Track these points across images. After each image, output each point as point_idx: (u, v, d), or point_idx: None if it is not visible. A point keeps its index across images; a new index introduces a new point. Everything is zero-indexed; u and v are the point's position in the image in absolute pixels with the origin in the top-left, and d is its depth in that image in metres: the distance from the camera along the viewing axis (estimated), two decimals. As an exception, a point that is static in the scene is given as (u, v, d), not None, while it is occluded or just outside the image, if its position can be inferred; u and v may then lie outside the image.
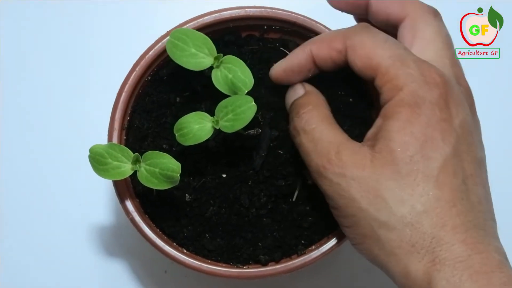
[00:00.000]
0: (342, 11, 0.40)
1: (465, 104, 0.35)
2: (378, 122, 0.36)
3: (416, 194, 0.33)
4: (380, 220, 0.34)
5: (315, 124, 0.37)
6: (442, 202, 0.33)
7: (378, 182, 0.34)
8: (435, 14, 0.38)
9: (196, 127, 0.37)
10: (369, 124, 0.37)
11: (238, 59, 0.38)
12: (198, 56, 0.38)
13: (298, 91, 0.39)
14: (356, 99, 0.41)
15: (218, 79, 0.38)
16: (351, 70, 0.37)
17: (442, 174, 0.33)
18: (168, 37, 0.38)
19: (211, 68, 0.38)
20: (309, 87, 0.39)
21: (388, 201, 0.33)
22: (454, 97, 0.35)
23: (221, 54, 0.38)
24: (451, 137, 0.34)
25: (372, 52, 0.36)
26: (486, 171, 0.37)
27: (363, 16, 0.40)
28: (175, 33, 0.38)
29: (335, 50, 0.37)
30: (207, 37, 0.38)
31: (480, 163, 0.35)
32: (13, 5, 0.55)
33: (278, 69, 0.39)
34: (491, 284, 0.31)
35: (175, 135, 0.38)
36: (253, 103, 0.36)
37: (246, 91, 0.37)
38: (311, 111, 0.37)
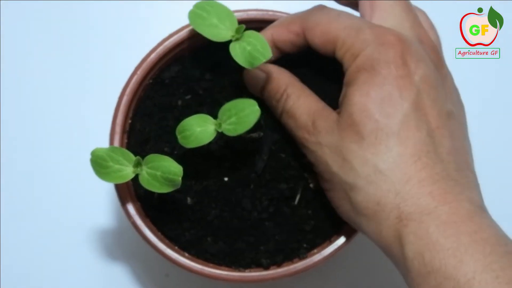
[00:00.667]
0: None
1: (426, 60, 0.35)
2: (343, 90, 0.36)
3: (379, 153, 0.33)
4: (349, 182, 0.34)
5: (292, 101, 0.38)
6: (405, 157, 0.33)
7: (343, 145, 0.34)
8: None
9: (199, 129, 0.37)
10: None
11: (258, 34, 0.37)
12: (219, 27, 0.38)
13: (259, 76, 0.39)
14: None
15: (236, 51, 0.37)
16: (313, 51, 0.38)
17: (403, 129, 0.33)
18: (192, 8, 0.38)
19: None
20: (266, 67, 0.39)
21: (353, 162, 0.34)
22: (412, 53, 0.35)
23: (243, 26, 0.37)
24: (411, 92, 0.34)
25: (327, 27, 0.37)
26: (458, 123, 0.36)
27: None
28: (200, 3, 0.38)
29: (293, 33, 0.38)
30: (231, 11, 0.38)
31: (448, 115, 0.35)
32: (13, 5, 0.55)
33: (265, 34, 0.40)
34: (460, 233, 0.31)
35: (177, 138, 0.38)
36: (257, 107, 0.36)
37: (264, 61, 0.36)
38: (286, 90, 0.38)
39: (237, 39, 0.37)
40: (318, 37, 0.37)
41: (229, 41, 0.37)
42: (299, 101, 0.38)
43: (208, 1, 0.38)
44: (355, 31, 0.36)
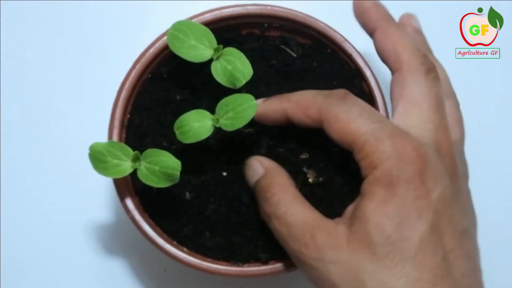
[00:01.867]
0: (357, 21, 0.40)
1: (444, 176, 0.35)
2: (358, 199, 0.35)
3: (395, 276, 0.32)
4: None
5: (285, 207, 0.36)
6: (422, 283, 0.32)
7: (356, 264, 0.33)
8: (428, 71, 0.37)
9: (197, 125, 0.37)
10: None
11: (237, 51, 0.38)
12: (198, 48, 0.38)
13: (257, 171, 0.38)
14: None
15: (217, 70, 0.38)
16: None
17: (420, 254, 0.33)
18: (169, 30, 0.38)
19: (211, 61, 0.38)
20: (268, 163, 0.38)
21: (367, 283, 0.33)
22: (431, 170, 0.34)
23: (221, 46, 0.38)
24: (428, 215, 0.33)
25: (346, 128, 0.35)
26: (472, 240, 0.36)
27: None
28: (176, 24, 0.38)
29: (310, 118, 0.36)
30: (207, 29, 0.38)
31: (463, 233, 0.35)
32: (13, 5, 0.55)
33: (259, 109, 0.38)
34: None
35: (175, 132, 0.38)
36: (254, 101, 0.36)
37: (245, 82, 0.37)
38: (278, 193, 0.36)
39: (217, 58, 0.38)
40: (336, 134, 0.35)
41: (211, 60, 0.38)
42: (292, 208, 0.36)
43: (184, 21, 0.39)
44: (374, 139, 0.34)
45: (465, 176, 0.38)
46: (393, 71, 0.38)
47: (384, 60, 0.39)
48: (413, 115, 0.36)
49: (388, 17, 0.39)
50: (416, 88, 0.36)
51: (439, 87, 0.37)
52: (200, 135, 0.37)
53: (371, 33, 0.39)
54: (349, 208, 0.35)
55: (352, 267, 0.33)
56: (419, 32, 0.41)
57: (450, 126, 0.37)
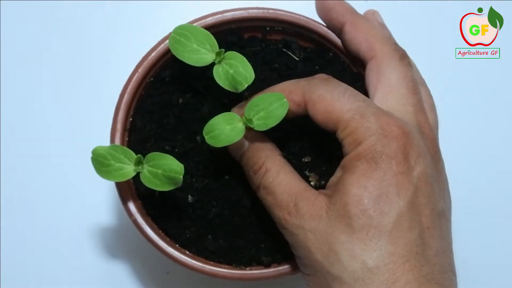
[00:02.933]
0: (322, 20, 0.40)
1: (426, 155, 0.35)
2: (338, 172, 0.36)
3: (369, 249, 0.33)
4: (333, 273, 0.34)
5: (272, 177, 0.36)
6: (395, 257, 0.33)
7: (332, 235, 0.34)
8: (402, 57, 0.38)
9: (228, 127, 0.36)
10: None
11: (239, 54, 0.38)
12: (200, 51, 0.38)
13: (242, 143, 0.38)
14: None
15: (219, 74, 0.38)
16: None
17: (396, 229, 0.33)
18: (171, 34, 0.38)
19: (213, 65, 0.38)
20: (251, 134, 0.38)
21: (340, 255, 0.33)
22: (414, 148, 0.34)
23: (223, 50, 0.38)
24: (408, 191, 0.34)
25: (331, 106, 0.35)
26: (447, 221, 0.36)
27: (337, 36, 0.40)
28: (178, 29, 0.38)
29: (294, 102, 0.37)
30: (209, 33, 0.38)
31: (440, 214, 0.35)
32: (13, 5, 0.55)
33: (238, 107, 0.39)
34: None
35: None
36: (285, 99, 0.36)
37: (247, 85, 0.37)
38: (265, 163, 0.37)
39: (219, 62, 0.38)
40: (320, 114, 0.36)
41: (213, 63, 0.38)
42: (278, 178, 0.36)
43: (186, 25, 0.39)
44: (359, 116, 0.35)
45: (443, 161, 0.38)
46: (367, 60, 0.39)
47: (355, 51, 0.39)
48: (392, 99, 0.37)
49: (354, 11, 0.40)
50: (392, 74, 0.37)
51: (414, 72, 0.38)
52: (232, 138, 0.36)
53: (339, 28, 0.40)
54: (331, 181, 0.36)
55: (327, 237, 0.34)
56: (384, 26, 0.42)
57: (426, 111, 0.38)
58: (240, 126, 0.36)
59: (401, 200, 0.33)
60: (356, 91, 0.36)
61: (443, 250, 0.35)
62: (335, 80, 0.37)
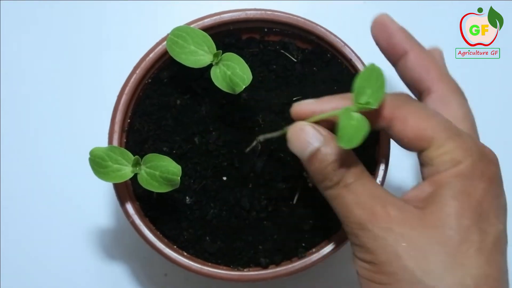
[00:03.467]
0: (377, 44, 0.40)
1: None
2: (425, 187, 0.35)
3: (467, 266, 0.32)
4: (426, 283, 0.32)
5: (355, 177, 0.35)
6: (490, 280, 0.32)
7: (429, 244, 0.33)
8: (463, 93, 0.39)
9: (354, 123, 0.33)
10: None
11: (237, 56, 0.38)
12: (198, 53, 0.38)
13: (316, 138, 0.35)
14: None
15: (217, 76, 0.38)
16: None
17: (494, 250, 0.33)
18: (169, 35, 0.38)
19: (211, 66, 0.38)
20: (324, 130, 0.35)
21: (437, 265, 0.32)
22: (501, 175, 0.36)
23: (220, 51, 0.38)
24: (504, 216, 0.35)
25: (425, 124, 0.35)
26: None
27: (392, 61, 0.40)
28: (175, 30, 0.38)
29: (380, 115, 0.35)
30: (206, 34, 0.38)
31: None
32: (13, 5, 0.55)
33: (305, 108, 0.36)
34: None
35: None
36: (376, 65, 0.34)
37: (244, 87, 0.37)
38: (347, 163, 0.35)
39: (217, 63, 0.38)
40: (412, 130, 0.35)
41: (211, 65, 0.38)
42: (361, 179, 0.35)
43: (183, 27, 0.39)
44: (457, 136, 0.35)
45: None
46: (429, 90, 0.38)
47: (414, 79, 0.39)
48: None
49: (417, 41, 0.40)
50: (459, 110, 0.38)
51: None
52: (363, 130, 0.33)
53: (398, 53, 0.39)
54: (416, 195, 0.35)
55: (422, 245, 0.33)
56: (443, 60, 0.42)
57: None
58: (359, 117, 0.33)
59: (499, 223, 0.34)
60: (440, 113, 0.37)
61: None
62: (418, 101, 0.37)
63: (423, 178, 0.36)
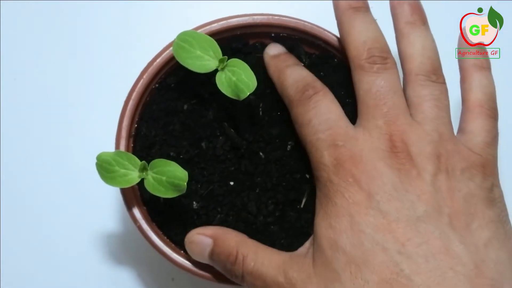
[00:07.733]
0: None
1: None
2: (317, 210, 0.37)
3: (359, 285, 0.33)
4: None
5: (253, 261, 0.36)
6: (381, 285, 0.33)
7: (324, 286, 0.34)
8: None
9: None
10: None
11: (242, 62, 0.38)
12: (203, 58, 0.38)
13: (204, 242, 0.38)
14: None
15: (222, 81, 0.38)
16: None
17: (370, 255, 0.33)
18: (175, 40, 0.38)
19: (217, 71, 0.38)
20: (209, 230, 0.39)
21: None
22: None
23: (226, 57, 0.38)
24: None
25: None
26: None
27: None
28: (181, 35, 0.38)
29: None
30: (212, 39, 0.38)
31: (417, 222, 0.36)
32: (13, 5, 0.55)
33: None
34: None
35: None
36: None
37: (249, 93, 0.37)
38: (239, 252, 0.37)
39: (222, 69, 0.38)
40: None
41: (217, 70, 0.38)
42: (259, 258, 0.36)
43: (189, 32, 0.39)
44: None
45: None
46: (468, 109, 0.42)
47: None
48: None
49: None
50: (482, 130, 0.43)
51: None
52: None
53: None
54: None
55: None
56: None
57: None
58: None
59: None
60: None
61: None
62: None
63: None
